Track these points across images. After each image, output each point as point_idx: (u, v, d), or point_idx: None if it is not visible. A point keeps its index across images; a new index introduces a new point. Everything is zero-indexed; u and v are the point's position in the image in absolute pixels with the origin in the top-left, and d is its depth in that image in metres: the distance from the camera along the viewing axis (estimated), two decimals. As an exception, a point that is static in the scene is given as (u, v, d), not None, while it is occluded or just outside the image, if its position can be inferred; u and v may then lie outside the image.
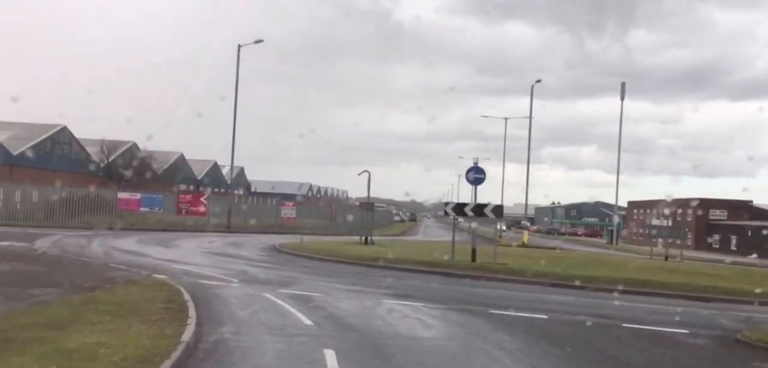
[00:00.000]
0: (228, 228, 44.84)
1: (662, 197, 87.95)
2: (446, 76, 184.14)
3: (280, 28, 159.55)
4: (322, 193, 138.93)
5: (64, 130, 60.96)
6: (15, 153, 54.38)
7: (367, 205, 37.72)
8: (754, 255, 61.03)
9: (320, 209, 65.54)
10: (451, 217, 26.56)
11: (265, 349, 9.22)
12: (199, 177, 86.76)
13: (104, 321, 9.66)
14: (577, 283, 20.41)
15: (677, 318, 14.49)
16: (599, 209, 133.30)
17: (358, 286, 17.41)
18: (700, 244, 75.36)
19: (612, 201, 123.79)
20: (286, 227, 50.59)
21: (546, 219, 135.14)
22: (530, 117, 56.11)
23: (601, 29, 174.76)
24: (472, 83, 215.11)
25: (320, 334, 10.42)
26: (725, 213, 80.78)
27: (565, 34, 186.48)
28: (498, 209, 24.78)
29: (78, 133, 61.59)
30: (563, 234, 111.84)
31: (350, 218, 56.56)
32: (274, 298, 13.87)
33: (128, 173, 56.63)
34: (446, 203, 26.08)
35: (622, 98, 70.56)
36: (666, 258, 38.51)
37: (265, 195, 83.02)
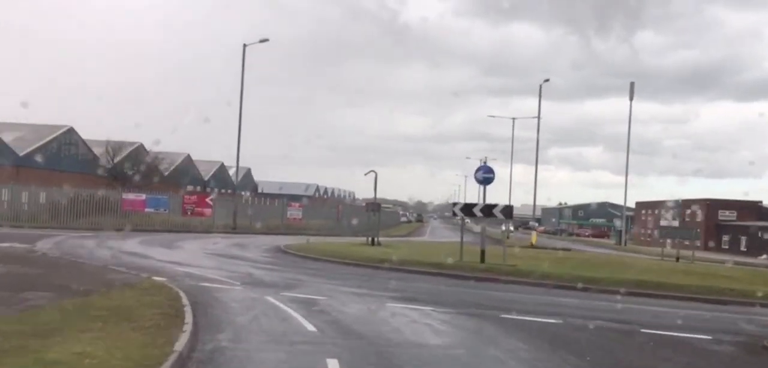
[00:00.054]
0: (233, 229, 44.37)
1: (670, 198, 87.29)
2: (453, 78, 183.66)
3: (288, 31, 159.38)
4: (329, 194, 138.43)
5: (71, 131, 60.66)
6: (21, 154, 54.08)
7: (374, 206, 37.14)
8: (764, 256, 60.30)
9: (327, 210, 64.99)
10: (459, 218, 25.98)
11: (263, 358, 8.68)
12: (206, 178, 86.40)
13: (94, 329, 9.13)
14: (590, 285, 19.84)
15: (697, 323, 13.89)
16: (607, 210, 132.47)
17: (364, 289, 16.85)
18: (710, 245, 74.50)
19: (619, 202, 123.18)
20: (292, 228, 50.08)
21: (553, 220, 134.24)
22: (539, 117, 55.45)
23: (608, 30, 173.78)
24: (478, 84, 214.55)
25: (323, 341, 9.87)
26: (734, 214, 79.87)
27: (572, 35, 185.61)
28: (507, 210, 24.18)
29: (85, 134, 61.34)
30: (571, 235, 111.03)
31: (355, 221, 56.08)
32: (276, 302, 13.33)
33: (134, 174, 56.26)
34: (454, 204, 25.48)
35: (631, 98, 69.75)
36: (677, 259, 37.78)
37: (272, 196, 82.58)
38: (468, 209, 24.41)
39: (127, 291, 13.16)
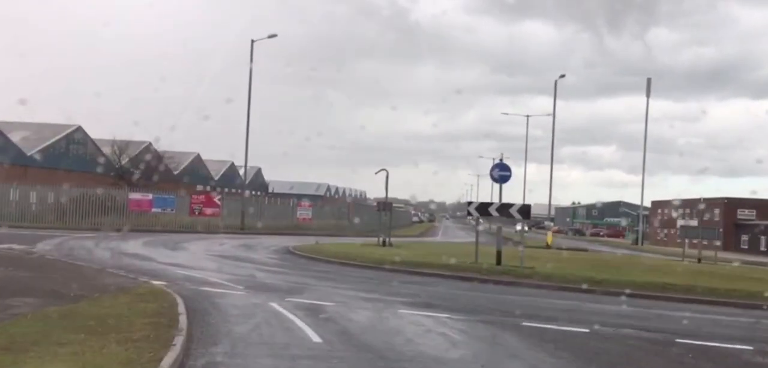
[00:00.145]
0: (241, 230, 43.57)
1: (685, 197, 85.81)
2: (464, 76, 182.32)
3: (298, 29, 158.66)
4: (340, 193, 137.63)
5: (79, 130, 60.13)
6: (29, 153, 53.56)
7: (385, 205, 36.16)
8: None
9: (337, 209, 64.06)
10: (474, 218, 24.99)
11: (261, 376, 7.74)
12: (216, 178, 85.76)
13: (75, 341, 8.22)
14: (612, 289, 18.78)
15: (735, 331, 12.84)
16: (622, 210, 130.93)
17: (375, 294, 15.89)
18: (728, 244, 72.95)
19: (632, 201, 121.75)
20: (302, 228, 49.25)
21: (567, 220, 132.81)
22: (554, 113, 54.41)
23: (620, 27, 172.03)
24: (489, 83, 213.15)
25: (330, 355, 8.91)
26: (754, 213, 78.27)
27: (584, 32, 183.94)
28: (525, 209, 23.14)
29: (94, 133, 60.77)
30: (584, 235, 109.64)
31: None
32: (280, 308, 12.39)
33: (142, 174, 55.55)
34: (469, 203, 24.43)
35: (648, 95, 68.50)
36: (699, 260, 36.55)
37: (282, 196, 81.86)
38: (483, 208, 23.39)
39: (121, 296, 12.26)
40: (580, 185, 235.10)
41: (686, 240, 47.53)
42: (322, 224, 52.21)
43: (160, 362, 7.45)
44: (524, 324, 12.21)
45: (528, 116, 66.11)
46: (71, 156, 57.24)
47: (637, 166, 67.96)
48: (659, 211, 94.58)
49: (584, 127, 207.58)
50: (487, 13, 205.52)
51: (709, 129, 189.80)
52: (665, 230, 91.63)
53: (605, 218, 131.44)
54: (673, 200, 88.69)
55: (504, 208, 22.87)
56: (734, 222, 77.61)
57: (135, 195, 44.25)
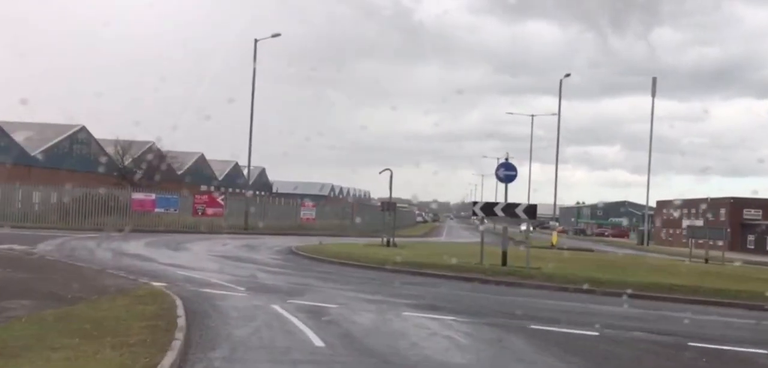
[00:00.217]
0: (245, 230, 43.34)
1: (689, 197, 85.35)
2: (467, 76, 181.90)
3: (300, 29, 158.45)
4: (344, 193, 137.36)
5: (83, 130, 60.01)
6: (33, 154, 53.45)
7: (389, 205, 35.88)
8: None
9: (341, 209, 63.76)
10: (479, 218, 24.70)
11: (261, 383, 7.47)
12: (220, 178, 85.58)
13: (69, 346, 7.97)
14: (619, 290, 18.44)
15: (747, 334, 12.54)
16: (626, 209, 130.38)
17: (379, 295, 15.61)
18: (734, 245, 72.44)
19: (636, 200, 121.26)
20: (305, 228, 49.01)
21: (572, 220, 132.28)
22: (559, 113, 54.01)
23: (624, 27, 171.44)
24: (493, 83, 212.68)
25: (332, 360, 8.65)
26: (760, 213, 77.75)
27: (588, 32, 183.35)
28: (531, 209, 22.84)
29: (97, 133, 60.57)
30: (589, 235, 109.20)
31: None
32: (282, 311, 12.12)
33: (145, 174, 55.36)
34: (474, 203, 24.14)
35: (653, 94, 68.12)
36: (706, 261, 36.17)
37: (286, 196, 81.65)
38: (489, 208, 23.10)
39: (119, 298, 12.01)
40: (584, 185, 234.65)
41: (692, 240, 47.17)
42: (325, 225, 51.96)
43: (157, 366, 7.19)
44: (531, 326, 11.92)
45: (533, 116, 65.85)
46: (75, 156, 57.09)
47: (641, 166, 67.70)
48: (664, 211, 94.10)
49: (588, 127, 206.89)
50: (490, 13, 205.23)
51: (714, 129, 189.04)
52: (670, 230, 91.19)
53: (610, 218, 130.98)
54: (677, 200, 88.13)
55: (510, 208, 22.58)
56: (740, 222, 77.09)
57: (138, 195, 44.04)
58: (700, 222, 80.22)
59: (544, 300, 16.72)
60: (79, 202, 41.04)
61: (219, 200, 47.71)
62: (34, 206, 42.64)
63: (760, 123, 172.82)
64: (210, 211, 45.36)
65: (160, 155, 61.45)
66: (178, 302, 11.75)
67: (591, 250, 46.27)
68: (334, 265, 22.88)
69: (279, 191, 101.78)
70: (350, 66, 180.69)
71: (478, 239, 28.43)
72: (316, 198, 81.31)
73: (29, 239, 25.52)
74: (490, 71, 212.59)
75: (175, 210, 43.98)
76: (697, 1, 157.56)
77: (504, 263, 22.13)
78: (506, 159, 23.57)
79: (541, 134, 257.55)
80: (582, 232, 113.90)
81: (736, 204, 78.50)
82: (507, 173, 23.30)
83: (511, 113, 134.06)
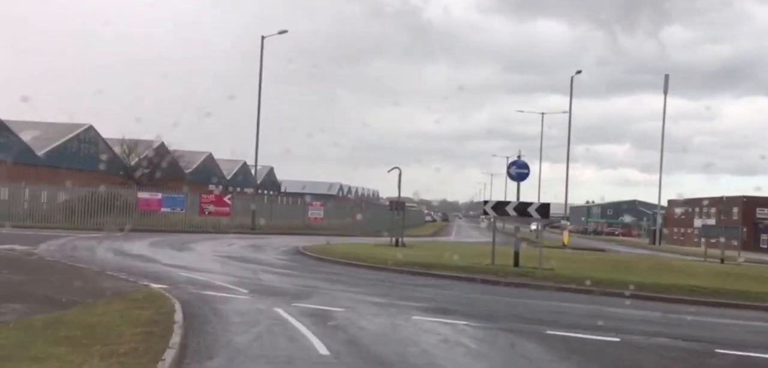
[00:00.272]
0: (252, 229, 42.83)
1: (699, 195, 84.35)
2: (475, 75, 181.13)
3: (308, 28, 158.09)
4: (353, 193, 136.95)
5: (90, 129, 59.67)
6: (40, 153, 53.15)
7: (398, 204, 35.27)
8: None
9: (349, 209, 63.19)
10: (489, 217, 24.08)
11: (259, 396, 6.89)
12: (229, 177, 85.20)
13: (54, 356, 7.41)
14: (638, 292, 17.81)
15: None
16: (637, 208, 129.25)
17: (388, 297, 15.00)
18: (748, 244, 71.48)
19: (647, 199, 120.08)
20: (313, 228, 48.46)
21: (582, 219, 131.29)
22: (570, 110, 53.30)
23: (634, 25, 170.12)
24: (501, 82, 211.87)
25: (337, 370, 8.07)
26: (774, 211, 76.81)
27: (597, 30, 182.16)
28: (544, 208, 22.18)
29: (104, 133, 60.21)
30: (600, 234, 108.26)
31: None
32: (286, 315, 11.54)
33: (153, 173, 55.00)
34: (485, 202, 23.48)
35: (666, 92, 67.19)
36: (722, 261, 35.40)
37: (294, 195, 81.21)
38: (500, 207, 22.45)
39: (115, 302, 11.46)
40: (593, 183, 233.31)
41: (706, 239, 46.32)
42: (333, 224, 51.41)
43: (146, 380, 6.63)
44: (548, 332, 11.31)
45: (543, 114, 65.07)
46: (82, 156, 56.73)
47: (651, 164, 66.99)
48: (676, 210, 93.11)
49: (597, 125, 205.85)
50: (498, 12, 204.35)
51: (724, 127, 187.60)
52: (682, 230, 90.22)
53: (620, 217, 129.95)
54: (690, 198, 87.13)
55: (522, 207, 21.92)
56: (753, 221, 76.11)
57: (144, 195, 43.59)
58: (712, 221, 79.36)
59: (558, 302, 16.10)
60: (85, 202, 40.61)
61: (226, 199, 47.19)
62: (43, 206, 42.27)
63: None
64: (217, 210, 44.86)
65: (168, 155, 61.11)
66: (177, 306, 11.19)
67: (603, 250, 45.56)
68: (341, 266, 22.31)
69: (287, 191, 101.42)
70: (358, 65, 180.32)
71: (488, 239, 27.80)
72: (324, 197, 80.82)
73: (31, 239, 25.06)
74: (499, 70, 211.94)
75: (182, 210, 43.51)
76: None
77: (516, 263, 21.50)
78: (519, 157, 22.92)
79: (552, 132, 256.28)
80: (593, 231, 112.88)
81: (749, 203, 77.51)
82: (519, 170, 22.66)
83: (522, 111, 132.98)
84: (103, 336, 8.60)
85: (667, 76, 66.98)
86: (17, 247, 21.97)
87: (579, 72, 56.56)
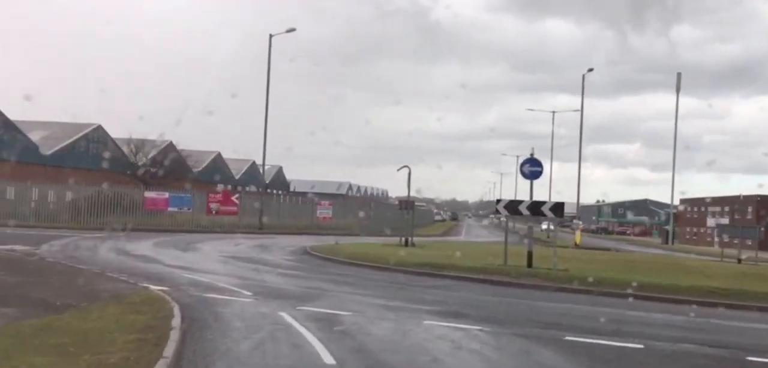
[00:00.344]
0: (260, 229, 42.32)
1: (711, 195, 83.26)
2: (484, 74, 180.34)
3: (317, 28, 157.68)
4: (362, 192, 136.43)
5: (99, 128, 59.46)
6: (48, 153, 52.89)
7: (408, 204, 34.65)
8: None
9: (358, 208, 62.58)
10: (500, 216, 23.43)
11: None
12: (237, 177, 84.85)
13: (38, 366, 6.88)
14: (656, 294, 17.21)
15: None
16: (648, 208, 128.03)
17: (397, 300, 14.42)
18: (764, 244, 70.30)
19: (657, 198, 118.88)
20: (322, 227, 47.92)
21: (593, 218, 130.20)
22: (582, 108, 52.54)
23: (644, 24, 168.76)
24: (510, 81, 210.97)
25: (342, 381, 7.48)
26: (788, 211, 75.54)
27: (607, 30, 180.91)
28: (558, 207, 21.55)
29: (113, 132, 59.94)
30: (611, 233, 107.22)
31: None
32: (290, 320, 10.97)
33: (161, 172, 54.63)
34: (498, 201, 22.85)
35: (678, 90, 66.46)
36: (739, 261, 34.62)
37: (303, 195, 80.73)
38: (513, 206, 21.81)
39: (111, 306, 10.92)
40: (604, 183, 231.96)
41: (722, 239, 45.48)
42: (342, 224, 50.83)
43: (132, 396, 6.08)
44: (567, 337, 10.69)
45: (554, 112, 64.30)
46: (90, 155, 56.44)
47: (661, 163, 66.18)
48: (688, 209, 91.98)
49: (607, 125, 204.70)
50: (507, 12, 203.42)
51: (734, 126, 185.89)
52: (694, 229, 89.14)
53: (631, 216, 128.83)
54: (704, 197, 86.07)
55: (535, 206, 21.29)
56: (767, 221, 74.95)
57: (150, 194, 43.17)
58: (725, 220, 78.29)
59: (575, 304, 15.47)
60: (90, 201, 40.22)
61: (233, 198, 46.72)
62: (50, 205, 41.96)
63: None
64: (224, 210, 44.40)
65: (176, 154, 60.72)
66: (176, 310, 10.64)
67: (616, 249, 44.83)
68: (349, 266, 21.74)
69: (296, 190, 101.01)
70: (367, 64, 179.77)
71: (498, 239, 27.16)
72: (333, 197, 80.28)
73: (34, 239, 24.65)
74: (508, 70, 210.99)
75: (189, 209, 43.05)
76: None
77: (529, 264, 20.86)
78: (531, 155, 22.26)
79: (562, 131, 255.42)
80: (604, 230, 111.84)
81: (763, 202, 76.35)
82: (533, 169, 22.01)
83: (532, 110, 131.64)
84: (94, 343, 8.07)
85: (679, 75, 66.21)
86: (18, 247, 21.55)
87: (591, 70, 55.76)
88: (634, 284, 18.30)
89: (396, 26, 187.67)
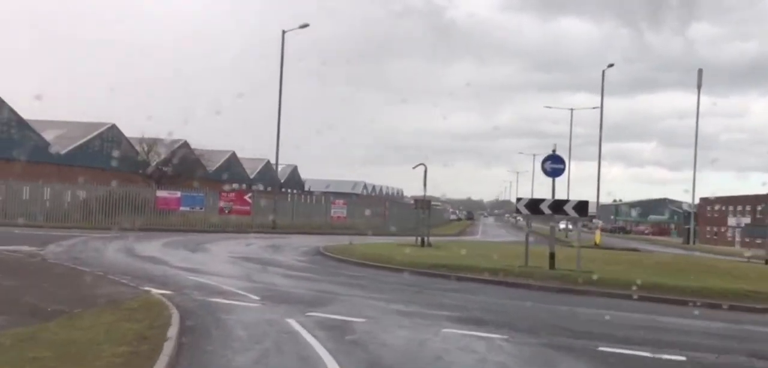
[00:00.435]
0: (273, 229, 41.59)
1: (729, 194, 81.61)
2: (500, 74, 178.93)
3: (333, 28, 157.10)
4: (377, 191, 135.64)
5: (113, 128, 59.12)
6: (63, 152, 52.52)
7: (423, 203, 33.74)
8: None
9: (373, 208, 61.73)
10: (521, 216, 22.47)
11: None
12: (252, 176, 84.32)
13: (8, 386, 6.09)
14: (687, 298, 16.20)
15: None
16: (666, 207, 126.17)
17: (414, 305, 13.54)
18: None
19: (675, 197, 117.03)
20: (336, 227, 47.13)
21: (611, 217, 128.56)
22: (601, 105, 51.37)
23: (661, 22, 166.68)
24: (526, 80, 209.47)
25: (353, 402, 6.62)
26: (812, 210, 73.83)
27: (623, 28, 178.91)
28: (581, 206, 20.59)
29: (127, 132, 59.54)
30: (629, 233, 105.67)
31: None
32: (298, 327, 10.14)
33: (175, 172, 54.13)
34: (518, 199, 21.91)
35: (699, 86, 64.81)
36: (766, 262, 33.42)
37: (318, 194, 79.99)
38: (534, 205, 20.85)
39: (106, 312, 10.14)
40: (620, 182, 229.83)
41: (744, 239, 44.17)
42: (356, 223, 50.02)
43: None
44: (600, 348, 9.77)
45: (572, 109, 63.16)
46: (104, 155, 55.99)
47: (678, 162, 64.97)
48: (709, 208, 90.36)
49: (624, 123, 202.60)
50: (523, 11, 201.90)
51: (754, 124, 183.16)
52: (715, 229, 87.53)
53: (649, 216, 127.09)
54: (730, 197, 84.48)
55: (558, 205, 20.33)
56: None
57: (162, 193, 42.56)
58: (747, 220, 76.71)
59: (604, 310, 14.48)
60: (102, 201, 39.68)
61: (246, 197, 46.02)
62: (62, 205, 41.51)
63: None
64: (237, 209, 43.71)
65: (190, 153, 60.22)
66: (175, 317, 9.83)
67: (637, 250, 43.64)
68: (363, 268, 20.88)
69: (311, 190, 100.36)
70: (382, 63, 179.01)
71: (515, 238, 26.21)
72: (348, 196, 79.50)
73: (41, 240, 24.04)
74: (524, 69, 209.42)
75: (201, 208, 42.39)
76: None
77: (552, 266, 19.89)
78: (554, 151, 21.29)
79: (579, 130, 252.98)
80: (622, 229, 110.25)
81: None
82: (554, 166, 21.04)
83: (550, 107, 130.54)
84: (78, 357, 7.27)
85: (700, 71, 64.61)
86: (24, 248, 20.94)
87: (611, 65, 54.31)
88: (662, 286, 17.38)
89: (410, 26, 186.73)
